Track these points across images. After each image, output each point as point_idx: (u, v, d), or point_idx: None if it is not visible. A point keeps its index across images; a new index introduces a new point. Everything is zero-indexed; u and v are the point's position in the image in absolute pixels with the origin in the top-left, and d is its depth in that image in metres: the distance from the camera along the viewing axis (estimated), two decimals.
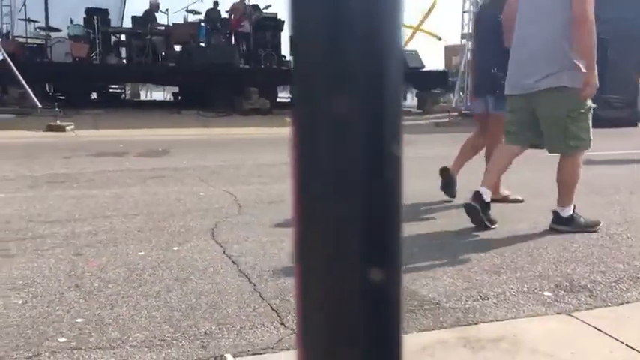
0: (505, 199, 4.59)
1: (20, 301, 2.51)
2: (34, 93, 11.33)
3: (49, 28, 15.07)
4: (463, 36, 14.54)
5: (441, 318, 2.42)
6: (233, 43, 15.67)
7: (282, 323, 2.34)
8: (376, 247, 0.33)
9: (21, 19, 15.05)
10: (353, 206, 0.32)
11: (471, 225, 3.90)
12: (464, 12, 14.44)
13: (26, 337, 2.18)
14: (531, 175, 4.85)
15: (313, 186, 0.32)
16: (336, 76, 0.31)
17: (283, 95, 17.88)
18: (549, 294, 2.70)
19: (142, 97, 22.48)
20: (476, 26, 5.05)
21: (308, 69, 0.32)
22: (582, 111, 3.60)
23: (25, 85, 11.09)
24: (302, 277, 0.33)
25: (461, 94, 14.35)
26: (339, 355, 0.34)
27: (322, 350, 0.34)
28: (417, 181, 5.42)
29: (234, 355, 2.09)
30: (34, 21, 15.18)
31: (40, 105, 11.12)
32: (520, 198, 4.68)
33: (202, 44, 15.20)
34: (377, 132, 0.32)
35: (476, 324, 2.37)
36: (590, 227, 3.76)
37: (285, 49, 16.70)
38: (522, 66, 3.71)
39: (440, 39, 20.26)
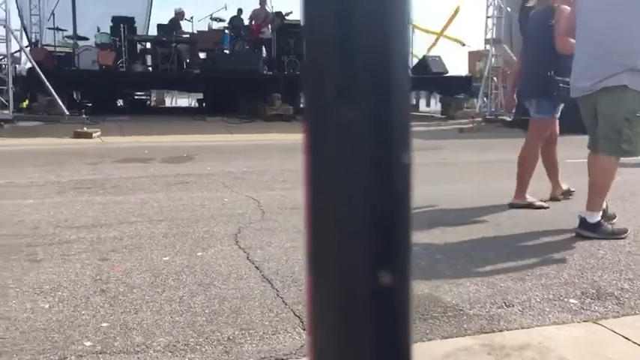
0: (530, 205, 4.54)
1: (47, 306, 2.56)
2: (62, 100, 11.53)
3: (77, 37, 15.33)
4: (487, 41, 14.38)
5: (464, 325, 2.40)
6: (256, 50, 15.77)
7: (304, 329, 2.34)
8: (385, 253, 0.33)
9: (49, 29, 15.34)
10: (362, 213, 0.32)
11: (494, 233, 3.87)
12: (487, 17, 14.28)
13: (53, 340, 2.21)
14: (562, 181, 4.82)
15: (324, 192, 0.32)
16: (345, 82, 0.32)
17: None
18: (575, 302, 2.66)
19: (167, 103, 22.73)
20: (525, 30, 5.06)
21: (317, 75, 0.32)
22: (638, 115, 3.57)
23: (53, 92, 11.29)
24: (313, 280, 0.33)
25: (485, 99, 14.21)
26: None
27: (332, 353, 0.34)
28: (442, 186, 5.39)
29: None
30: (62, 30, 15.46)
31: (67, 112, 11.31)
32: (546, 205, 4.63)
33: (226, 51, 15.32)
34: (385, 140, 0.32)
35: (500, 331, 2.34)
36: (617, 235, 3.70)
37: None
38: (585, 68, 3.70)
39: (463, 44, 20.12)
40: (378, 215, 0.32)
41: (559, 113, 4.60)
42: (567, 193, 4.92)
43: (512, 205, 4.56)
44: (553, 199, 4.86)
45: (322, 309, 0.34)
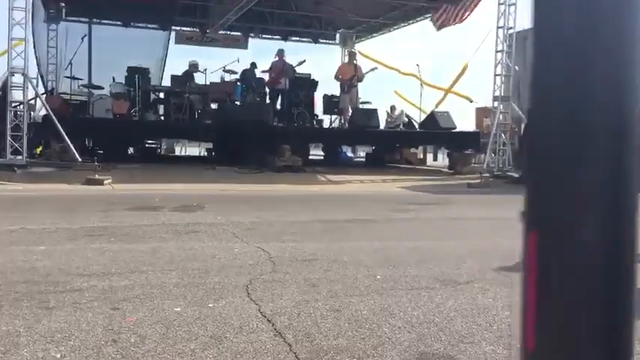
0: None
1: (59, 355, 2.53)
2: (74, 147, 11.68)
3: (92, 86, 15.68)
4: (495, 98, 14.57)
5: None
6: (267, 101, 16.06)
7: None
8: None
9: (66, 77, 15.69)
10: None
11: (509, 290, 3.82)
12: (496, 75, 14.52)
13: None
14: None
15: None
16: None
17: (315, 153, 18.07)
18: None
19: (177, 152, 22.94)
20: None
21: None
22: None
23: (67, 139, 11.45)
24: None
25: (492, 155, 14.28)
26: None
27: None
28: (458, 241, 5.37)
29: None
30: (78, 79, 15.81)
31: (79, 159, 11.44)
32: None
33: (238, 102, 15.59)
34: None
35: None
36: None
37: (318, 109, 17.00)
38: None
39: (471, 101, 20.42)
40: None
41: None
42: None
43: None
44: None
45: None
